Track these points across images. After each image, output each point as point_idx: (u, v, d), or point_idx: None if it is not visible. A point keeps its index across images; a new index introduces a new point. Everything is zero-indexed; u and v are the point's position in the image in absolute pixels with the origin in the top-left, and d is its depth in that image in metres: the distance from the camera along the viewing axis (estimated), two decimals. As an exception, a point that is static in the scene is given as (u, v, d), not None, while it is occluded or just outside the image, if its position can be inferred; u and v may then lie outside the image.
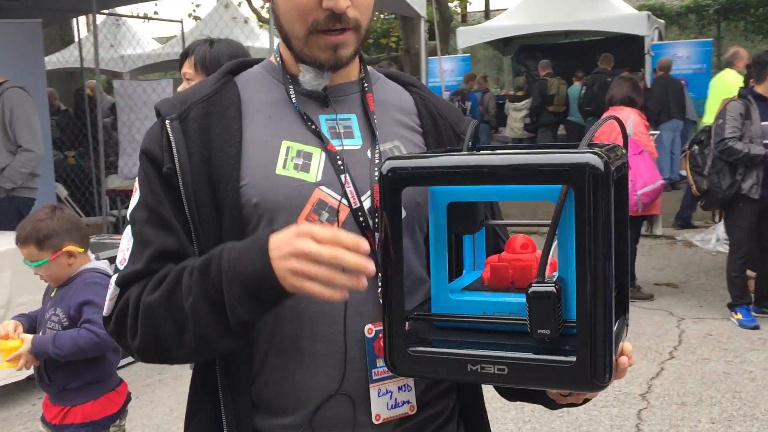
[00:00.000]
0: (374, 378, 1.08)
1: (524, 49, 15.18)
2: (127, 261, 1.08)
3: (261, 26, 15.05)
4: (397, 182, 0.96)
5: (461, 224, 1.03)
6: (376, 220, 1.08)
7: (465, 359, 0.95)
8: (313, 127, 1.11)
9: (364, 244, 0.92)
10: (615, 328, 1.02)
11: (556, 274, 1.09)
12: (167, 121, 1.08)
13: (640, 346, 4.32)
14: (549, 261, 0.93)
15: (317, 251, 0.90)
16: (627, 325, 1.10)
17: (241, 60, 1.21)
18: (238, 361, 1.08)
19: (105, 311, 1.10)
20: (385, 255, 0.98)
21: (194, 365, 1.15)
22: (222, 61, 2.11)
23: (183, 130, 1.07)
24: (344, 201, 1.08)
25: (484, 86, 12.96)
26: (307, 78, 1.13)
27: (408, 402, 1.11)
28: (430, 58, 9.03)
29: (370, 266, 0.91)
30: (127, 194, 6.87)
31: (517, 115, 11.64)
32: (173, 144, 1.06)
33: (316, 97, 1.14)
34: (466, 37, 12.31)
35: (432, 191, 1.01)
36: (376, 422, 1.08)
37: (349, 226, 1.07)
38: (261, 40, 12.53)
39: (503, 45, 15.19)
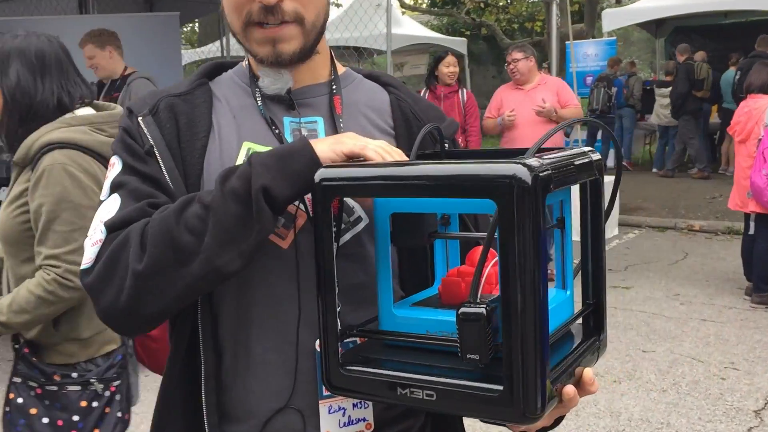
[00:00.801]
0: (324, 394, 1.04)
1: (679, 31, 14.21)
2: (116, 212, 1.03)
3: (404, 13, 15.15)
4: (327, 192, 0.91)
5: (405, 236, 0.98)
6: (334, 228, 1.03)
7: (395, 381, 0.90)
8: (276, 131, 1.09)
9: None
10: (576, 350, 0.94)
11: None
12: (139, 118, 1.08)
13: (763, 357, 3.95)
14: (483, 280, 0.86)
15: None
16: (599, 348, 1.00)
17: (218, 63, 1.20)
18: (209, 363, 1.07)
19: (84, 261, 1.02)
20: (317, 267, 0.94)
21: (166, 369, 1.13)
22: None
23: (156, 122, 1.07)
24: (302, 207, 1.05)
25: (631, 71, 12.28)
26: (266, 83, 1.10)
27: (364, 420, 1.07)
28: (567, 42, 8.66)
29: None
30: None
31: (663, 101, 10.94)
32: (149, 137, 1.06)
33: (282, 101, 1.12)
34: (612, 19, 11.68)
35: (375, 201, 0.96)
36: None
37: (306, 233, 1.04)
38: (404, 27, 12.59)
39: (655, 27, 14.32)
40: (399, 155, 0.97)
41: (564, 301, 0.99)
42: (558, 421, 1.01)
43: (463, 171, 0.83)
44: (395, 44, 10.38)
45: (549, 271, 1.42)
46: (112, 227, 1.00)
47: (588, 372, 0.93)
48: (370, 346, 0.99)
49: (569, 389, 0.87)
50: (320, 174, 0.92)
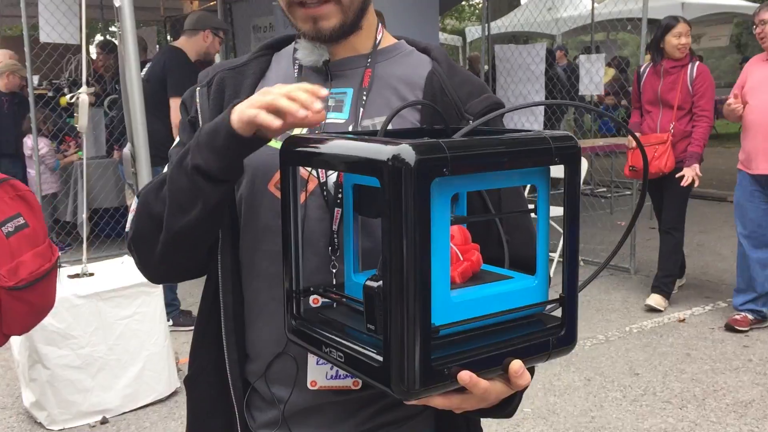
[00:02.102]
0: None
1: None
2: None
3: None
4: (287, 159, 0.99)
5: (363, 207, 1.01)
6: (340, 195, 1.11)
7: (321, 340, 0.96)
8: None
9: (323, 91, 0.95)
10: (514, 341, 0.92)
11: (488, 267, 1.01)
12: (197, 89, 1.23)
13: None
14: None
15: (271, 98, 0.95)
16: (556, 346, 0.95)
17: (289, 35, 1.29)
18: (227, 307, 1.21)
19: (127, 227, 1.22)
20: (285, 229, 1.02)
21: (200, 305, 1.30)
22: None
23: (206, 95, 1.21)
24: (314, 173, 1.13)
25: None
26: (301, 55, 1.18)
27: (351, 376, 1.14)
28: None
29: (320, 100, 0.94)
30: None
31: None
32: (198, 108, 1.21)
33: (320, 71, 1.19)
34: None
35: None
36: (311, 387, 1.13)
37: (316, 198, 1.12)
38: None
39: None
40: (308, 94, 0.94)
41: (525, 288, 0.96)
42: (506, 403, 0.99)
43: (355, 149, 0.86)
44: (691, 13, 9.57)
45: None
46: (141, 197, 1.19)
47: (514, 363, 0.90)
48: (337, 308, 1.05)
49: (464, 374, 0.86)
50: (285, 142, 0.99)
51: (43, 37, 5.82)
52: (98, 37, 11.25)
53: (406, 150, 0.80)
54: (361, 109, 1.15)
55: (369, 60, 1.19)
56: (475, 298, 0.92)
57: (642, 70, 4.93)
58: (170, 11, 11.30)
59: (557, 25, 13.24)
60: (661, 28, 4.74)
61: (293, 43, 1.24)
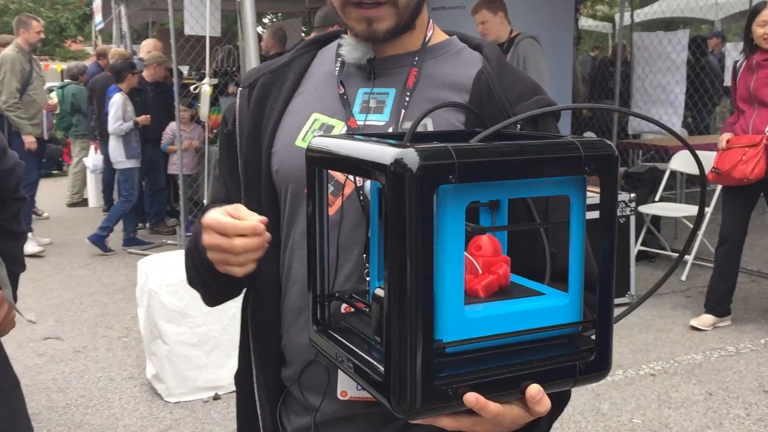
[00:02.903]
0: None
1: None
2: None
3: None
4: (311, 161, 0.97)
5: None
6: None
7: (337, 348, 0.94)
8: (345, 98, 1.15)
9: (260, 227, 0.99)
10: (534, 364, 0.85)
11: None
12: (239, 89, 1.24)
13: None
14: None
15: (217, 243, 1.01)
16: (583, 372, 0.87)
17: (337, 31, 1.26)
18: (266, 311, 1.21)
19: None
20: (309, 232, 1.00)
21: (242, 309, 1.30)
22: None
23: (248, 97, 1.21)
24: (350, 177, 1.10)
25: None
26: (344, 51, 1.15)
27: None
28: None
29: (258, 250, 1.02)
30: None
31: None
32: (237, 111, 1.22)
33: (364, 69, 1.15)
34: None
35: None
36: (341, 398, 1.10)
37: (353, 202, 1.10)
38: None
39: None
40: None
41: (554, 307, 0.89)
42: (528, 429, 0.92)
43: (360, 151, 0.82)
44: None
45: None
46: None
47: (532, 388, 0.84)
48: (361, 316, 1.02)
49: (470, 396, 0.80)
50: (311, 143, 0.97)
51: (188, 30, 6.16)
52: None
53: (409, 154, 0.76)
54: (403, 111, 1.10)
55: (416, 59, 1.14)
56: (494, 315, 0.85)
57: (738, 64, 4.33)
58: (315, 2, 11.63)
59: (717, 10, 12.30)
60: (750, 12, 4.16)
61: (339, 38, 1.21)
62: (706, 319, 4.47)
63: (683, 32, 5.81)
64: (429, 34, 1.17)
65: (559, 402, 1.03)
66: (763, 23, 4.05)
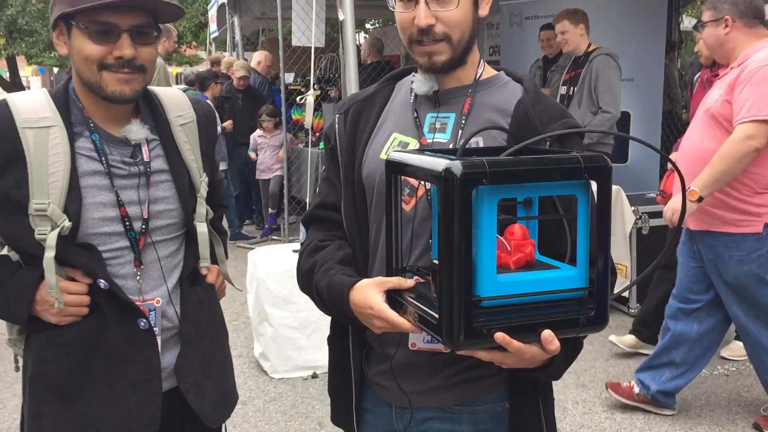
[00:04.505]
0: None
1: None
2: (311, 203, 1.65)
3: None
4: (389, 169, 1.32)
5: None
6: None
7: (405, 304, 1.28)
8: (418, 122, 1.50)
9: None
10: (547, 316, 1.17)
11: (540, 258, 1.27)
12: (337, 116, 1.60)
13: None
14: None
15: (384, 328, 1.33)
16: (587, 324, 1.18)
17: (409, 68, 1.62)
18: None
19: (300, 237, 1.65)
20: (387, 222, 1.35)
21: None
22: None
23: (344, 121, 1.57)
24: (423, 183, 1.45)
25: None
26: (416, 85, 1.50)
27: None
28: None
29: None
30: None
31: None
32: (336, 132, 1.58)
33: (431, 98, 1.50)
34: None
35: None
36: (412, 348, 1.45)
37: (422, 202, 1.44)
38: None
39: None
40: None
41: (565, 276, 1.21)
42: (548, 366, 1.25)
43: (422, 162, 1.17)
44: None
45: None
46: (303, 220, 1.61)
47: (545, 332, 1.16)
48: (425, 283, 1.36)
49: (498, 335, 1.13)
50: (390, 156, 1.33)
51: (295, 42, 6.66)
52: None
53: (455, 165, 1.10)
54: (460, 131, 1.44)
55: (470, 90, 1.47)
56: (519, 280, 1.18)
57: (695, 79, 4.27)
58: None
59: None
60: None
61: (411, 75, 1.55)
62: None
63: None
64: (480, 71, 1.50)
65: (573, 349, 1.33)
66: (699, 39, 3.96)
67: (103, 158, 1.60)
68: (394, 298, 1.31)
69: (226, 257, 1.94)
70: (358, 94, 1.63)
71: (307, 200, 4.86)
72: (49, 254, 1.52)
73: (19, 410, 3.73)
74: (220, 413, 1.79)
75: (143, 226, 1.64)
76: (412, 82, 1.52)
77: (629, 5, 6.33)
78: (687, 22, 12.33)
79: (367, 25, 17.01)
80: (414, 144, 1.48)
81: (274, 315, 4.08)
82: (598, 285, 1.19)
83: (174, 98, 1.75)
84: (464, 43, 1.43)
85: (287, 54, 7.07)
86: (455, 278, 1.12)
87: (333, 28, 9.85)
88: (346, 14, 4.00)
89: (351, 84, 4.03)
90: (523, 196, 1.31)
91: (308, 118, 4.32)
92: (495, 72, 1.53)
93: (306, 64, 8.23)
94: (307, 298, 4.62)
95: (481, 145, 1.43)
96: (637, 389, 3.54)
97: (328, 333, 4.61)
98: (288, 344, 4.11)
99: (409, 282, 1.30)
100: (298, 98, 4.76)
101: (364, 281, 1.36)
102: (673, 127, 7.29)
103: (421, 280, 1.37)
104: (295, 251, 4.33)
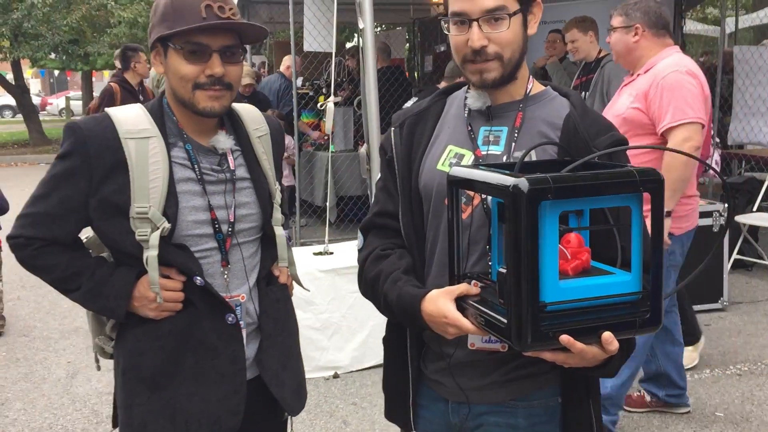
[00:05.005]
0: None
1: None
2: (369, 212, 1.74)
3: None
4: (451, 183, 1.41)
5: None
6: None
7: (470, 308, 1.37)
8: (472, 135, 1.59)
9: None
10: (607, 318, 1.26)
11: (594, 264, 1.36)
12: (392, 129, 1.69)
13: None
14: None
15: (453, 333, 1.43)
16: (642, 325, 1.28)
17: (459, 83, 1.71)
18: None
19: (357, 244, 1.73)
20: (449, 231, 1.44)
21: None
22: None
23: (400, 134, 1.67)
24: (479, 194, 1.53)
25: None
26: (470, 100, 1.59)
27: (500, 342, 1.53)
28: None
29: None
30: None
31: None
32: (393, 144, 1.67)
33: (483, 113, 1.60)
34: None
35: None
36: (470, 348, 1.54)
37: (478, 210, 1.53)
38: None
39: None
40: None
41: (621, 282, 1.30)
42: (606, 365, 1.34)
43: (490, 178, 1.26)
44: None
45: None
46: (362, 227, 1.69)
47: (605, 334, 1.25)
48: (487, 288, 1.45)
49: (564, 337, 1.22)
50: (451, 170, 1.42)
51: (306, 47, 6.74)
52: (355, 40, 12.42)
53: (522, 181, 1.19)
54: (513, 143, 1.53)
55: (521, 105, 1.56)
56: (579, 286, 1.28)
57: None
58: (419, 12, 12.11)
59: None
60: None
61: (463, 90, 1.65)
62: None
63: (784, 46, 5.92)
64: (530, 87, 1.59)
65: (627, 348, 1.42)
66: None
67: (195, 166, 1.73)
68: (457, 303, 1.41)
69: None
70: (411, 109, 1.72)
71: (328, 204, 4.94)
72: (153, 253, 1.65)
73: (48, 410, 3.86)
74: (297, 403, 1.91)
75: (230, 229, 1.76)
76: (466, 97, 1.62)
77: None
78: (691, 26, 12.44)
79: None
80: (469, 155, 1.57)
81: (297, 317, 4.16)
82: (652, 289, 1.28)
83: (251, 112, 1.89)
84: (514, 61, 1.52)
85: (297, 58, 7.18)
86: (523, 285, 1.21)
87: (341, 32, 9.96)
88: (366, 22, 4.09)
89: (370, 88, 4.12)
90: (583, 208, 1.40)
91: (328, 124, 4.41)
92: (543, 87, 1.62)
93: (317, 69, 8.37)
94: (329, 299, 4.79)
95: (534, 158, 1.53)
96: (648, 397, 3.65)
97: (347, 335, 4.70)
98: (310, 345, 4.19)
99: (475, 289, 1.40)
100: (319, 105, 4.84)
101: (434, 292, 1.45)
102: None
103: (480, 285, 1.47)
104: (315, 254, 4.43)
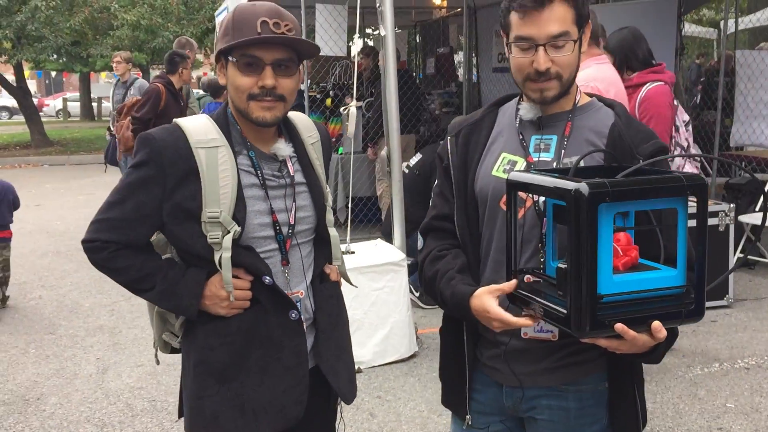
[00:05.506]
0: None
1: None
2: (427, 215, 1.90)
3: None
4: (510, 186, 1.56)
5: (559, 217, 1.55)
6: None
7: (528, 300, 1.52)
8: (524, 143, 1.74)
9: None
10: (655, 309, 1.41)
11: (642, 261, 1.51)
12: (449, 138, 1.84)
13: None
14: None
15: (501, 328, 1.61)
16: (687, 316, 1.43)
17: (510, 95, 1.86)
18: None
19: (419, 245, 1.93)
20: (507, 231, 1.59)
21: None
22: None
23: (456, 143, 1.81)
24: (531, 195, 1.69)
25: None
26: (522, 112, 1.74)
27: (551, 331, 1.68)
28: None
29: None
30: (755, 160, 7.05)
31: None
32: (449, 152, 1.82)
33: (534, 123, 1.74)
34: None
35: (545, 194, 1.57)
36: (524, 337, 1.69)
37: (530, 211, 1.68)
38: None
39: None
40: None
41: (667, 276, 1.45)
42: (653, 351, 1.49)
43: (552, 183, 1.41)
44: None
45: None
46: (421, 230, 1.86)
47: (655, 323, 1.40)
48: (542, 282, 1.60)
49: (619, 326, 1.37)
50: (510, 175, 1.57)
51: (317, 51, 6.89)
52: (357, 39, 12.53)
53: (583, 186, 1.34)
54: (563, 151, 1.68)
55: (570, 115, 1.71)
56: (631, 280, 1.43)
57: None
58: (421, 15, 12.26)
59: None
60: None
61: (514, 101, 1.80)
62: None
63: (786, 51, 6.08)
64: (578, 98, 1.74)
65: (672, 336, 1.56)
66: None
67: (258, 172, 1.86)
68: (518, 296, 1.55)
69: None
70: (466, 119, 1.87)
71: (343, 204, 5.06)
72: (226, 255, 1.78)
73: (84, 404, 3.99)
74: (351, 391, 2.04)
75: (290, 231, 1.89)
76: (518, 108, 1.77)
77: (641, 13, 6.60)
78: (687, 28, 12.60)
79: (368, 30, 17.25)
80: (521, 162, 1.72)
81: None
82: (697, 282, 1.43)
83: (303, 121, 2.02)
84: (571, 80, 1.67)
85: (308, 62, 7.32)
86: (583, 279, 1.36)
87: (349, 35, 10.09)
88: (387, 29, 4.25)
89: (391, 93, 4.27)
90: (636, 210, 1.55)
91: (351, 128, 4.55)
92: (589, 99, 1.76)
93: (320, 71, 8.51)
94: (351, 296, 4.96)
95: (582, 164, 1.67)
96: None
97: (369, 331, 4.84)
98: (333, 342, 4.33)
99: (510, 284, 1.56)
100: (341, 109, 4.99)
101: (480, 290, 1.62)
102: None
103: (532, 279, 1.62)
104: (344, 253, 4.56)
